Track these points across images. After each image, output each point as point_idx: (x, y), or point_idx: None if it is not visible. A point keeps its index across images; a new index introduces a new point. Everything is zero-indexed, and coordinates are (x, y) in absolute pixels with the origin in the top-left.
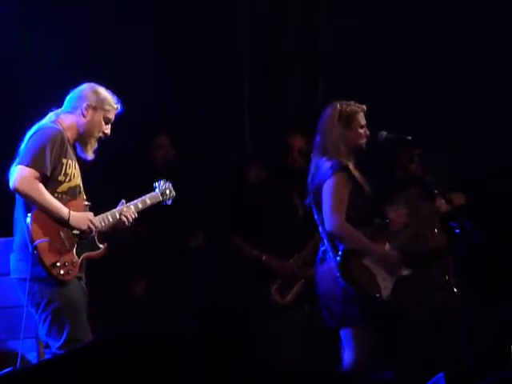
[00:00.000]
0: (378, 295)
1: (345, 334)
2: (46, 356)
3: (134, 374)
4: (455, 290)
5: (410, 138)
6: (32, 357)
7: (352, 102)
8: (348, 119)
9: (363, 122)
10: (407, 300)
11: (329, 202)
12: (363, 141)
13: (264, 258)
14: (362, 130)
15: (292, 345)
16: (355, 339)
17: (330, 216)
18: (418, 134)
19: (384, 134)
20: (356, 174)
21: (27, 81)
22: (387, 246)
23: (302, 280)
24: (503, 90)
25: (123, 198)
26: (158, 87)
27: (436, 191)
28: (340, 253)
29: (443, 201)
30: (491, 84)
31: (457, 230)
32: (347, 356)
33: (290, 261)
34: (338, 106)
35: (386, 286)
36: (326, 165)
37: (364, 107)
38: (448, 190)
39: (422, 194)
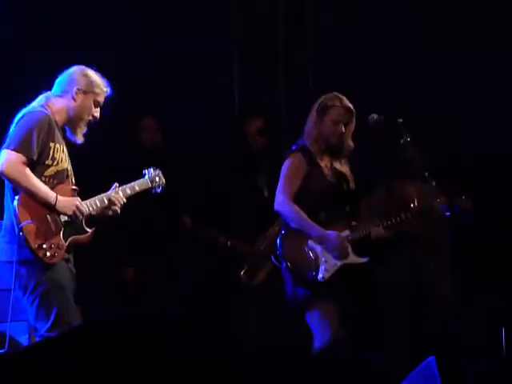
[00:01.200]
0: (311, 274)
1: (307, 317)
2: (37, 339)
3: (124, 356)
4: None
5: (401, 120)
6: (23, 340)
7: (342, 97)
8: (322, 110)
9: (338, 118)
10: (394, 282)
11: (280, 181)
12: (331, 137)
13: (229, 243)
14: (334, 126)
15: (268, 325)
16: (316, 320)
17: (277, 194)
18: (410, 118)
19: (375, 116)
20: (324, 161)
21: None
22: (345, 233)
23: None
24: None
25: (111, 181)
26: (145, 71)
27: (427, 174)
28: (283, 231)
29: (434, 184)
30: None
31: (447, 213)
32: (315, 340)
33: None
34: (323, 96)
35: (326, 268)
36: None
37: (349, 106)
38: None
39: (408, 179)
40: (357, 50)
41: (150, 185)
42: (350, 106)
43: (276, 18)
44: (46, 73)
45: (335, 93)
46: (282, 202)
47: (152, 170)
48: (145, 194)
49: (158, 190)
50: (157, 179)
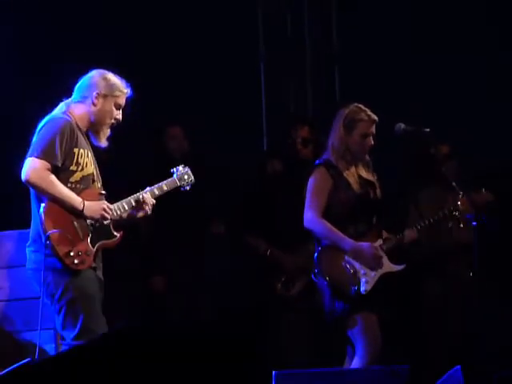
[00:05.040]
0: (354, 288)
1: (348, 331)
2: (63, 347)
3: (145, 366)
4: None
5: (428, 130)
6: (50, 348)
7: (365, 109)
8: (350, 124)
9: (367, 131)
10: (431, 294)
11: (307, 198)
12: (361, 150)
13: (268, 252)
14: (363, 139)
15: (302, 337)
16: (360, 332)
17: (305, 211)
18: (436, 129)
19: (402, 125)
20: (350, 173)
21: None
22: (378, 243)
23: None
24: None
25: (139, 189)
26: (172, 79)
27: (454, 183)
28: (319, 248)
29: (461, 194)
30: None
31: (473, 223)
32: (358, 352)
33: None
34: (347, 109)
35: (367, 280)
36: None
37: (375, 118)
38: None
39: (446, 189)
40: (383, 48)
41: (178, 183)
42: (375, 116)
43: (303, 20)
44: (68, 81)
45: (357, 105)
46: (311, 219)
47: (181, 167)
48: (174, 191)
49: (187, 188)
50: (185, 177)
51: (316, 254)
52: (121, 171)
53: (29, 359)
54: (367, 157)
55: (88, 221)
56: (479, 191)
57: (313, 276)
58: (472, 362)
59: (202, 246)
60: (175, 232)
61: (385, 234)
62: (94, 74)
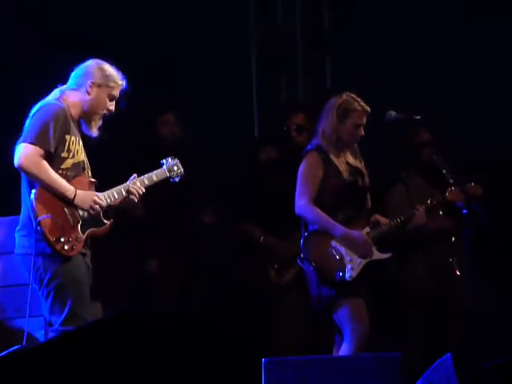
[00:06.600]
0: (339, 274)
1: (335, 317)
2: (50, 334)
3: (133, 351)
4: (458, 272)
5: (419, 117)
6: (40, 335)
7: (358, 99)
8: (343, 113)
9: (359, 121)
10: (412, 281)
11: (298, 184)
12: (352, 139)
13: (262, 239)
14: (355, 129)
15: (294, 325)
16: (346, 318)
17: (296, 198)
18: (427, 117)
19: (393, 113)
20: (340, 160)
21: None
22: (366, 230)
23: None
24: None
25: (126, 176)
26: (166, 67)
27: (444, 171)
28: (305, 234)
29: (452, 182)
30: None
31: (464, 211)
32: (346, 338)
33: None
34: (341, 97)
35: (353, 266)
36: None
37: (367, 108)
38: (461, 177)
39: (436, 177)
40: (375, 38)
41: (167, 174)
42: (367, 107)
43: (295, 10)
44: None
45: (350, 94)
46: (302, 205)
47: (170, 159)
48: (163, 183)
49: (176, 180)
50: (175, 168)
51: (302, 240)
52: (112, 157)
53: (19, 346)
54: (355, 145)
55: (79, 210)
56: (467, 185)
57: (299, 261)
58: (462, 350)
59: (194, 233)
60: (168, 219)
61: (381, 219)
62: (91, 63)
